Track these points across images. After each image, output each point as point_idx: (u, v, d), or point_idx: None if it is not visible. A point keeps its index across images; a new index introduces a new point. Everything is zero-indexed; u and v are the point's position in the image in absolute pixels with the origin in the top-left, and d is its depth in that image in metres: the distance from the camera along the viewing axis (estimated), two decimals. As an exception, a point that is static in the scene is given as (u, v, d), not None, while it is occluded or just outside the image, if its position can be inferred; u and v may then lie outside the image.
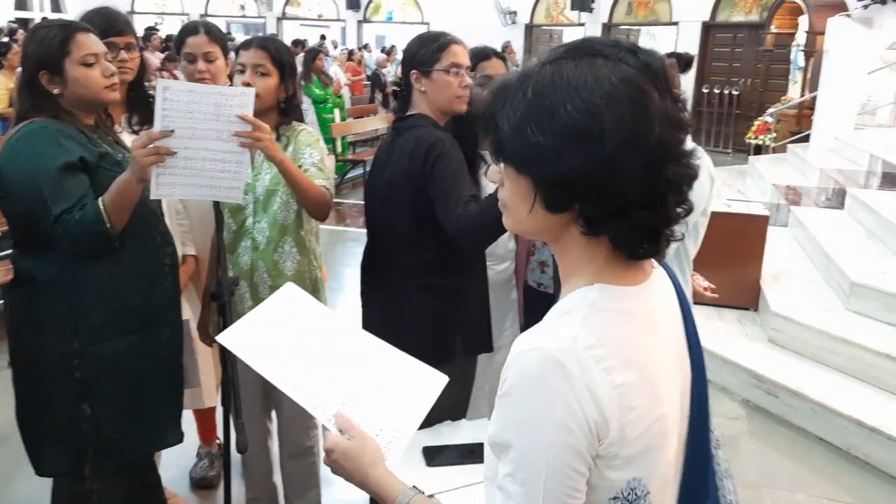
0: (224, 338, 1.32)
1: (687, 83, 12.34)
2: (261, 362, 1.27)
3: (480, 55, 2.53)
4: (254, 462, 2.56)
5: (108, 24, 2.26)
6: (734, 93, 13.07)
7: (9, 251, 2.02)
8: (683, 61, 2.67)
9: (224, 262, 2.08)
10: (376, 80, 13.67)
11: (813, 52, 10.27)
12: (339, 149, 9.29)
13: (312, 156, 2.25)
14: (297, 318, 1.39)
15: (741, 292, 4.58)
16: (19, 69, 2.03)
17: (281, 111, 2.28)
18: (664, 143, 0.86)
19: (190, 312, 2.51)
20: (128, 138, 2.20)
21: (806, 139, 9.18)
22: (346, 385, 1.26)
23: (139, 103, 2.38)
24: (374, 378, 1.29)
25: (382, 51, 15.78)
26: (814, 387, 3.64)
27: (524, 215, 0.92)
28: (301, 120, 2.38)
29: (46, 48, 1.88)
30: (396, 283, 2.14)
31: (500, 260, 2.58)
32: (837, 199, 6.25)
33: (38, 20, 2.17)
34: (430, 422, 1.82)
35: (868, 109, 9.41)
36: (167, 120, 1.82)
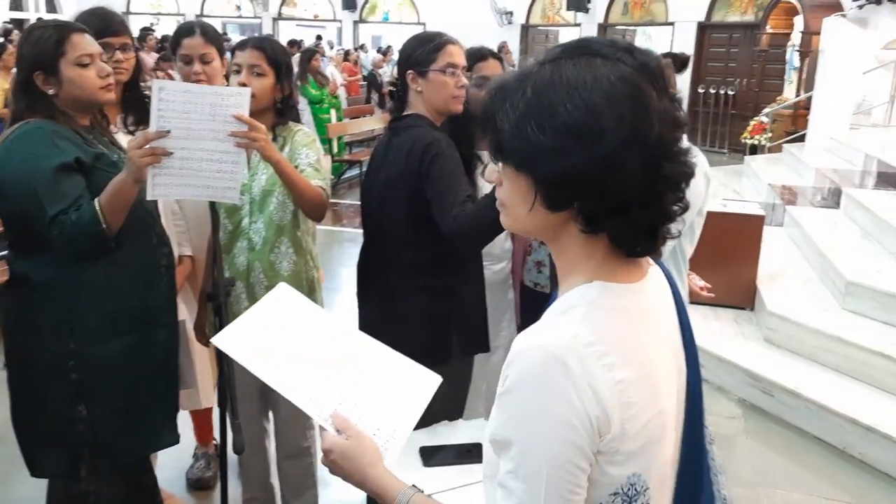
0: (219, 340, 1.32)
1: (683, 83, 12.36)
2: (256, 363, 1.27)
3: (477, 56, 2.53)
4: (251, 462, 2.56)
5: (104, 25, 2.26)
6: (730, 93, 13.10)
7: (4, 252, 2.01)
8: (679, 61, 2.67)
9: (220, 262, 2.08)
10: (372, 81, 13.67)
11: (808, 52, 10.30)
12: (335, 149, 9.29)
13: (309, 156, 2.25)
14: (291, 319, 1.39)
15: (737, 292, 4.58)
16: (14, 70, 2.02)
17: (277, 111, 2.28)
18: (663, 142, 0.87)
19: (186, 313, 2.51)
20: (123, 139, 2.19)
21: (801, 139, 9.19)
22: (342, 385, 1.26)
23: (135, 104, 2.37)
24: (370, 378, 1.29)
25: (379, 51, 15.78)
26: (810, 386, 3.65)
27: (523, 214, 0.92)
28: (297, 120, 2.38)
29: (41, 49, 1.87)
30: (393, 283, 2.14)
31: (496, 260, 2.59)
32: (833, 198, 6.27)
33: (33, 21, 2.16)
34: (426, 422, 1.82)
35: (863, 109, 9.44)
36: (163, 120, 1.81)
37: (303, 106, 8.20)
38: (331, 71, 10.64)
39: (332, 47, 15.56)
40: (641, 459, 0.90)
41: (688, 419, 1.00)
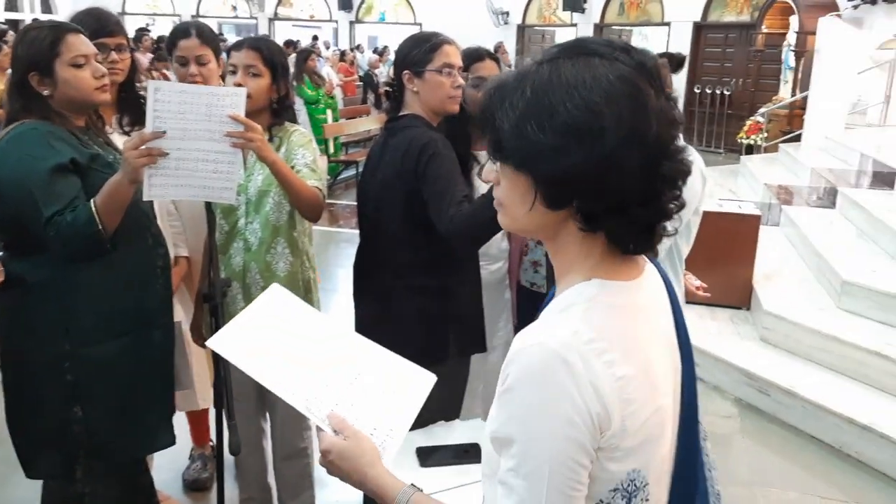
0: (214, 342, 1.32)
1: (679, 83, 12.36)
2: (252, 365, 1.27)
3: (474, 56, 2.53)
4: (248, 462, 2.56)
5: (99, 25, 2.25)
6: (726, 93, 13.13)
7: (0, 253, 2.01)
8: (675, 61, 2.67)
9: (216, 263, 2.08)
10: (369, 81, 13.66)
11: (804, 51, 10.32)
12: (331, 150, 9.29)
13: (305, 156, 2.25)
14: (285, 320, 1.39)
15: (733, 291, 4.59)
16: (9, 71, 2.02)
17: (273, 112, 2.28)
18: (661, 140, 0.88)
19: (182, 314, 2.50)
20: (119, 139, 2.19)
21: (797, 139, 9.22)
22: (338, 386, 1.26)
23: (130, 104, 2.37)
24: (365, 378, 1.30)
25: (375, 51, 15.76)
26: (806, 385, 3.66)
27: (522, 213, 0.93)
28: (294, 121, 2.38)
29: (36, 49, 1.87)
30: (389, 283, 2.14)
31: (493, 260, 2.58)
32: (829, 198, 6.28)
33: (28, 21, 2.15)
34: (423, 422, 1.82)
35: (858, 109, 9.46)
36: (159, 121, 1.81)
37: (299, 106, 8.19)
38: (327, 71, 10.63)
39: (328, 48, 15.55)
40: (641, 455, 0.91)
41: (683, 416, 1.00)
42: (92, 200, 1.81)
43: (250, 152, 2.05)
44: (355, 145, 10.63)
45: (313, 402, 1.21)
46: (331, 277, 5.35)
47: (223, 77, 2.44)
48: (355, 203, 2.33)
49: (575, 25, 15.11)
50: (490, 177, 0.97)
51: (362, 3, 17.88)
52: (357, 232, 2.30)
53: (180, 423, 2.55)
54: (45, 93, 1.88)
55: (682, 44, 13.14)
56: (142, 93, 2.38)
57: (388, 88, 2.26)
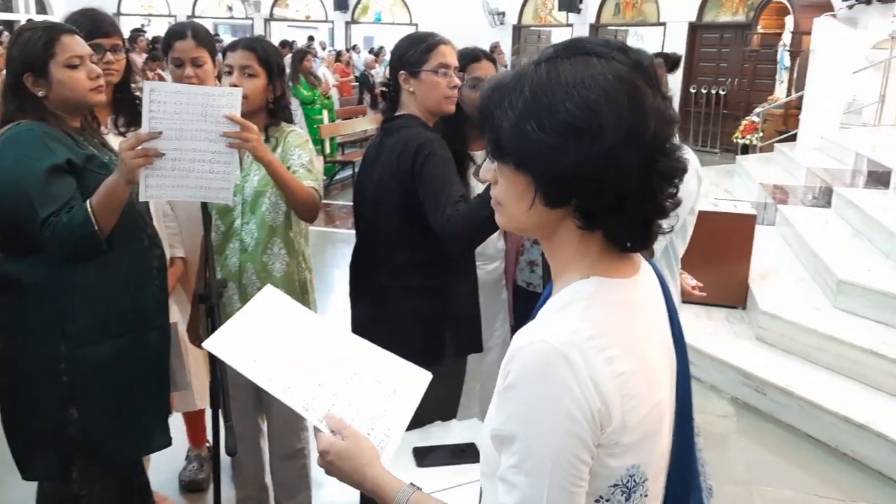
0: (210, 344, 1.32)
1: (674, 83, 12.41)
2: (248, 366, 1.27)
3: (470, 56, 2.53)
4: (246, 462, 2.55)
5: (94, 26, 2.25)
6: (721, 92, 13.14)
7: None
8: (671, 61, 2.68)
9: (212, 263, 2.08)
10: (365, 81, 13.66)
11: (799, 51, 10.35)
12: (327, 150, 9.28)
13: (301, 157, 2.24)
14: (280, 321, 1.39)
15: (729, 291, 4.60)
16: (4, 71, 2.01)
17: (270, 112, 2.28)
18: (658, 139, 0.89)
19: (179, 315, 2.50)
20: (114, 140, 2.18)
21: (793, 138, 9.24)
22: (334, 386, 1.26)
23: (125, 105, 2.36)
24: (361, 378, 1.30)
25: (371, 52, 15.77)
26: (802, 384, 3.66)
27: (520, 212, 0.93)
28: (290, 121, 2.38)
29: (31, 50, 1.86)
30: (386, 283, 2.14)
31: (490, 260, 2.59)
32: (824, 197, 6.30)
33: (23, 22, 2.15)
34: (419, 422, 1.83)
35: (853, 109, 9.49)
36: (155, 121, 1.81)
37: (294, 107, 8.18)
38: (323, 72, 10.63)
39: (324, 48, 15.54)
40: (640, 451, 0.92)
41: (678, 412, 1.01)
42: (88, 201, 1.81)
43: (247, 153, 2.05)
44: (351, 146, 10.63)
45: (310, 403, 1.22)
46: (327, 278, 5.35)
47: (219, 78, 2.44)
48: (352, 203, 2.33)
49: (571, 26, 15.12)
50: (488, 176, 0.98)
51: (358, 3, 17.88)
52: (353, 232, 2.29)
53: (177, 423, 2.54)
54: (40, 94, 1.88)
55: (677, 44, 13.15)
56: (137, 94, 2.38)
57: (384, 89, 2.26)
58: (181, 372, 2.33)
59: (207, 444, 3.02)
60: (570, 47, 0.92)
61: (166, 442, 2.17)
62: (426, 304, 2.11)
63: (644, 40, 14.56)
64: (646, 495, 0.94)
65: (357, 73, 14.08)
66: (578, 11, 14.83)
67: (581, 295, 0.92)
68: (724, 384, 3.99)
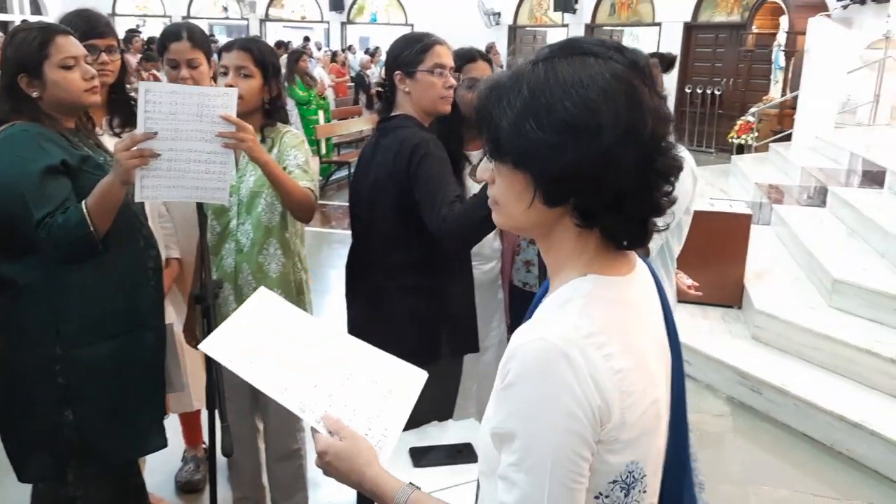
0: (206, 346, 1.32)
1: (669, 83, 12.41)
2: (245, 368, 1.27)
3: (466, 57, 2.53)
4: (243, 462, 2.55)
5: (89, 27, 2.24)
6: (716, 92, 13.17)
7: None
8: (666, 61, 2.68)
9: (208, 264, 2.07)
10: (360, 82, 13.63)
11: (794, 51, 10.37)
12: (323, 150, 9.27)
13: (297, 157, 2.24)
14: (275, 323, 1.39)
15: (725, 290, 4.61)
16: (-1, 72, 2.00)
17: (265, 112, 2.28)
18: (656, 137, 0.89)
19: (174, 316, 2.49)
20: (109, 141, 2.18)
21: (788, 138, 9.26)
22: (331, 387, 1.26)
23: (120, 106, 2.36)
24: (357, 378, 1.30)
25: (366, 52, 15.75)
26: (797, 383, 3.67)
27: (519, 211, 0.94)
28: (286, 122, 2.37)
29: (25, 51, 1.86)
30: (381, 283, 2.14)
31: (486, 260, 2.59)
32: (819, 197, 6.31)
33: (17, 23, 2.14)
34: (416, 423, 1.83)
35: (848, 108, 9.51)
36: (150, 122, 1.81)
37: (290, 107, 8.18)
38: (318, 72, 10.63)
39: (319, 48, 15.53)
40: (639, 447, 0.92)
41: (673, 409, 1.02)
42: (83, 202, 1.80)
43: (242, 154, 2.05)
44: (347, 146, 10.62)
45: (307, 404, 1.22)
46: (323, 278, 5.35)
47: (214, 79, 2.43)
48: (347, 204, 2.33)
49: (566, 26, 15.14)
50: (485, 175, 0.98)
51: (354, 3, 17.86)
52: (349, 233, 2.29)
53: (172, 424, 2.54)
54: (35, 94, 1.88)
55: (672, 44, 13.16)
56: (132, 94, 2.37)
57: (379, 89, 2.26)
58: (177, 373, 2.32)
59: (203, 445, 3.02)
60: (567, 47, 0.92)
61: (162, 443, 2.17)
62: (422, 304, 2.11)
63: (639, 40, 14.58)
64: (644, 491, 0.95)
65: (353, 74, 14.06)
66: (574, 12, 14.85)
67: (579, 293, 0.93)
68: (719, 383, 3.99)
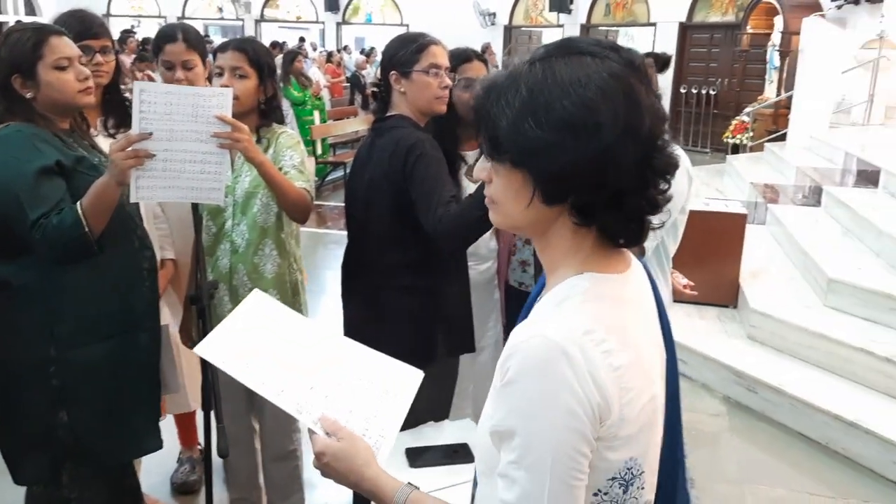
0: (202, 349, 1.31)
1: (664, 83, 12.41)
2: (240, 370, 1.26)
3: (461, 57, 2.53)
4: (240, 462, 2.54)
5: (83, 27, 2.23)
6: (711, 92, 13.20)
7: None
8: (661, 61, 2.69)
9: (203, 265, 2.07)
10: (356, 82, 13.64)
11: (788, 51, 10.41)
12: (319, 151, 9.27)
13: (293, 158, 2.24)
14: (271, 325, 1.39)
15: (720, 290, 4.62)
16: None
17: (261, 113, 2.27)
18: (653, 135, 0.90)
19: (170, 317, 2.48)
20: (104, 142, 2.17)
21: (782, 138, 9.28)
22: (327, 388, 1.26)
23: (115, 106, 2.35)
24: (353, 379, 1.30)
25: (362, 52, 15.75)
26: (793, 382, 3.68)
27: (517, 210, 0.94)
28: (281, 122, 2.37)
29: (19, 52, 1.85)
30: (377, 284, 2.14)
31: (482, 260, 2.59)
32: (814, 196, 6.33)
33: (11, 23, 2.13)
34: (412, 423, 1.82)
35: (843, 108, 9.54)
36: (145, 122, 1.80)
37: (285, 108, 8.17)
38: (314, 72, 10.61)
39: (315, 49, 15.52)
40: (637, 444, 0.92)
41: (668, 406, 1.02)
42: (78, 203, 1.80)
43: (238, 154, 2.04)
44: (343, 146, 10.61)
45: (304, 405, 1.21)
46: (318, 279, 5.34)
47: (209, 79, 2.43)
48: (343, 204, 2.33)
49: (562, 26, 15.16)
50: (482, 175, 0.98)
51: (349, 4, 17.86)
52: (345, 233, 2.29)
53: (168, 426, 2.53)
54: (29, 95, 1.87)
55: (667, 44, 13.20)
56: (126, 95, 2.37)
57: (375, 89, 2.26)
58: (172, 374, 2.32)
59: (199, 446, 3.01)
60: (563, 47, 0.93)
61: (157, 445, 2.16)
62: (418, 304, 2.11)
63: (634, 40, 14.62)
64: (642, 487, 0.95)
65: (348, 74, 14.06)
66: (569, 12, 14.87)
67: (576, 290, 0.93)
68: (715, 383, 4.00)
